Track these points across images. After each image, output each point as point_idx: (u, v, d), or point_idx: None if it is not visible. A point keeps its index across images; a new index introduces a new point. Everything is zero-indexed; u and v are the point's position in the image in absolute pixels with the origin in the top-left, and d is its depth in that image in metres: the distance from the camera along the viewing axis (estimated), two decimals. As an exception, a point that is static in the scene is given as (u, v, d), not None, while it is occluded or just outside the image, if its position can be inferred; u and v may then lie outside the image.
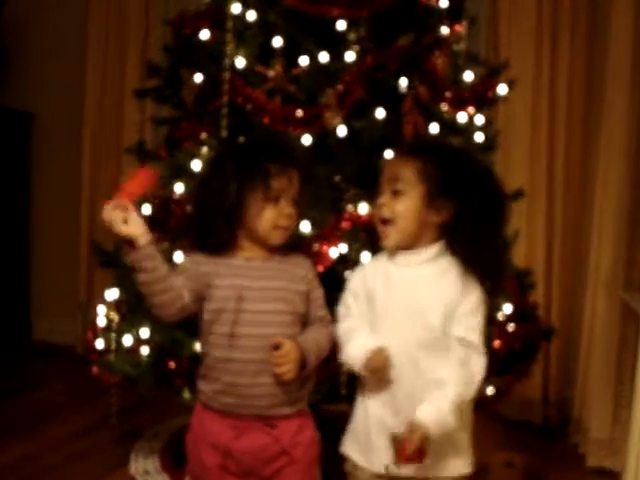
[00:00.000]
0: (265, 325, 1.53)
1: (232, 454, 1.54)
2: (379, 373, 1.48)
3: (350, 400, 2.10)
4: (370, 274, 1.59)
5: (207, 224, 1.55)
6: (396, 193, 1.52)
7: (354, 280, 1.63)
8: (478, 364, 1.47)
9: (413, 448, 1.37)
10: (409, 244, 1.53)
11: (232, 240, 1.57)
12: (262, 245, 1.58)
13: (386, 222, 1.54)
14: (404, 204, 1.51)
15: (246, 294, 1.52)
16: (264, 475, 1.56)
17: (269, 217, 1.54)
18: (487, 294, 1.52)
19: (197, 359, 1.69)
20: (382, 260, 1.60)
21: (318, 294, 1.64)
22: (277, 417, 1.55)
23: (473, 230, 1.49)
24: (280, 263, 1.59)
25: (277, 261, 1.59)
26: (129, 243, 1.44)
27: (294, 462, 1.56)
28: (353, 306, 1.60)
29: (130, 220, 1.43)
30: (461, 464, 1.54)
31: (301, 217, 1.71)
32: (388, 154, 2.12)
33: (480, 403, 1.67)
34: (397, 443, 1.41)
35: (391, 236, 1.54)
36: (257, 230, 1.55)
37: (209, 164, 1.58)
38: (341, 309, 1.63)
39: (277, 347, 1.50)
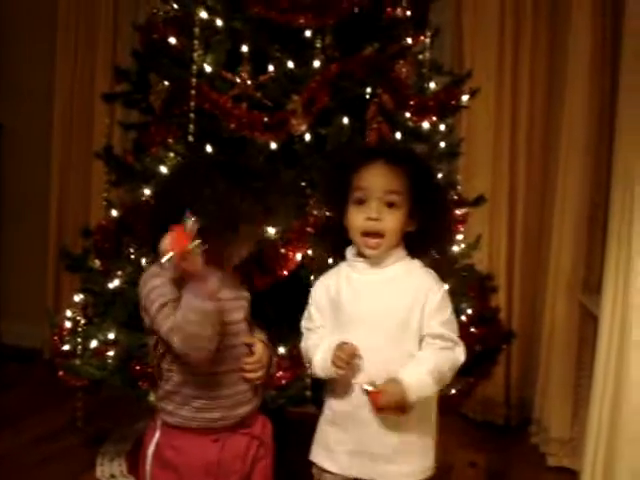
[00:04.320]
0: (239, 334, 1.54)
1: (222, 467, 1.52)
2: (348, 363, 1.48)
3: (316, 403, 2.14)
4: (333, 284, 1.60)
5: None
6: (391, 206, 1.52)
7: (316, 292, 1.63)
8: (460, 352, 1.54)
9: (389, 400, 1.42)
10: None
11: None
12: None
13: (377, 235, 1.53)
14: (397, 218, 1.52)
15: (225, 306, 1.50)
16: (245, 471, 1.57)
17: None
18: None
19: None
20: (342, 269, 1.62)
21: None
22: (249, 417, 1.58)
23: (434, 235, 1.58)
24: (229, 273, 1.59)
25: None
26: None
27: (268, 451, 1.61)
28: (316, 318, 1.61)
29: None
30: (425, 468, 1.57)
31: None
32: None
33: (444, 403, 1.71)
34: (371, 394, 1.45)
35: (381, 249, 1.54)
36: (248, 249, 1.58)
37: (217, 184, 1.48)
38: (304, 322, 1.65)
39: (250, 350, 1.54)
